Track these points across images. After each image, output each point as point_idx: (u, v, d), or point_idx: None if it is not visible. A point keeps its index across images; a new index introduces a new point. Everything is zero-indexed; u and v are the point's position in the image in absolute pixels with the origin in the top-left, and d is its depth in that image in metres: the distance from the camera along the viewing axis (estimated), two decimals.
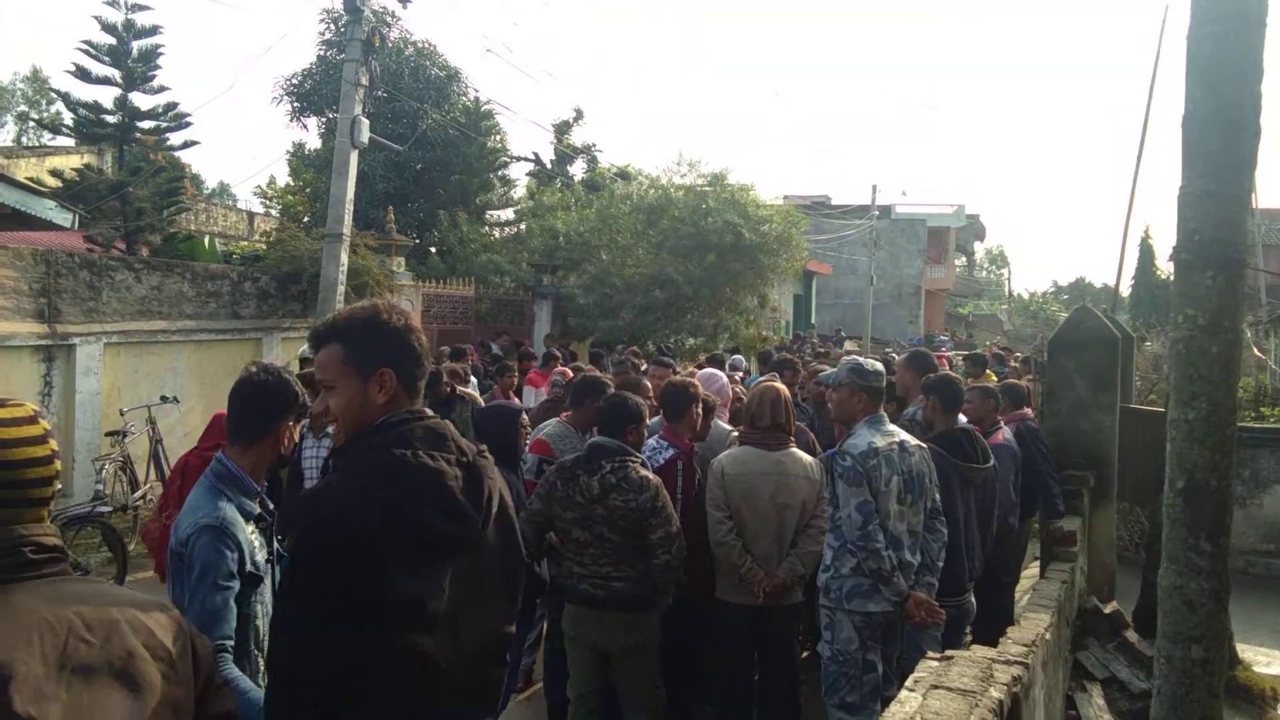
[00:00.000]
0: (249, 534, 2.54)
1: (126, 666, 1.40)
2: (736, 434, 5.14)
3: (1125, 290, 29.12)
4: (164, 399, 9.64)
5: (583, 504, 3.96)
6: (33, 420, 1.47)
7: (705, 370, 6.78)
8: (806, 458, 4.48)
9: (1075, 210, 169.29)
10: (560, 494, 4.02)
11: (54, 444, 1.49)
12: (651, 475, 4.06)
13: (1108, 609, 6.17)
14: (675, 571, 4.03)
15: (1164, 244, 33.37)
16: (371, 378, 1.92)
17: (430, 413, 2.00)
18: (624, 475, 3.94)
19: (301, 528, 1.81)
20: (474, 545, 1.93)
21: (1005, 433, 5.66)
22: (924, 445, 4.24)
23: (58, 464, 1.49)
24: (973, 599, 4.78)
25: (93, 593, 1.46)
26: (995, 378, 10.29)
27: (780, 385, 4.75)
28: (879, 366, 4.26)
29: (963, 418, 5.37)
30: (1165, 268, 33.70)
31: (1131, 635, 5.92)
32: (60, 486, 1.52)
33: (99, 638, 1.38)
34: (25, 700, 1.26)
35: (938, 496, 4.21)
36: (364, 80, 11.25)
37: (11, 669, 1.27)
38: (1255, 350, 13.51)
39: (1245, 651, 6.16)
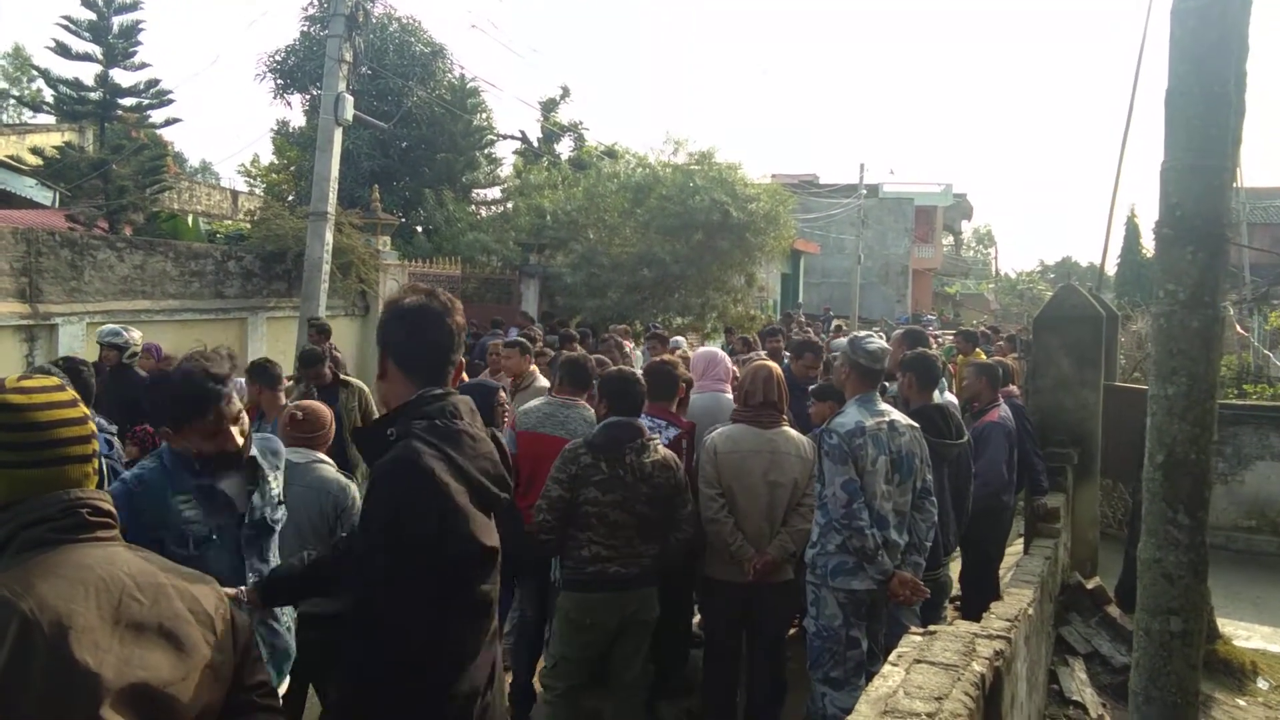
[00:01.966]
0: (178, 502, 2.66)
1: (173, 628, 1.48)
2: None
3: (1111, 269, 29.22)
4: None
5: (630, 483, 3.87)
6: (60, 388, 1.57)
7: (703, 349, 6.80)
8: (799, 436, 4.47)
9: (1062, 189, 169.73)
10: (601, 475, 3.86)
11: (86, 409, 1.59)
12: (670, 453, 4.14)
13: (1090, 585, 6.23)
14: (691, 546, 4.16)
15: (1149, 223, 33.45)
16: (382, 356, 2.18)
17: (457, 393, 2.18)
18: (661, 453, 4.01)
19: (386, 486, 1.98)
20: (503, 508, 2.21)
21: (1002, 410, 5.68)
22: (915, 425, 4.22)
23: (93, 426, 1.59)
24: (949, 573, 4.82)
25: (142, 558, 1.55)
26: (984, 355, 10.32)
27: (773, 363, 4.75)
28: (879, 347, 4.19)
29: (952, 396, 5.41)
30: (1150, 246, 33.82)
31: (1113, 610, 5.98)
32: (98, 449, 1.62)
33: (149, 598, 1.48)
34: (84, 649, 1.34)
35: (929, 476, 4.19)
36: (348, 56, 11.15)
37: (70, 620, 1.35)
38: (1238, 328, 13.61)
39: (1226, 626, 6.23)
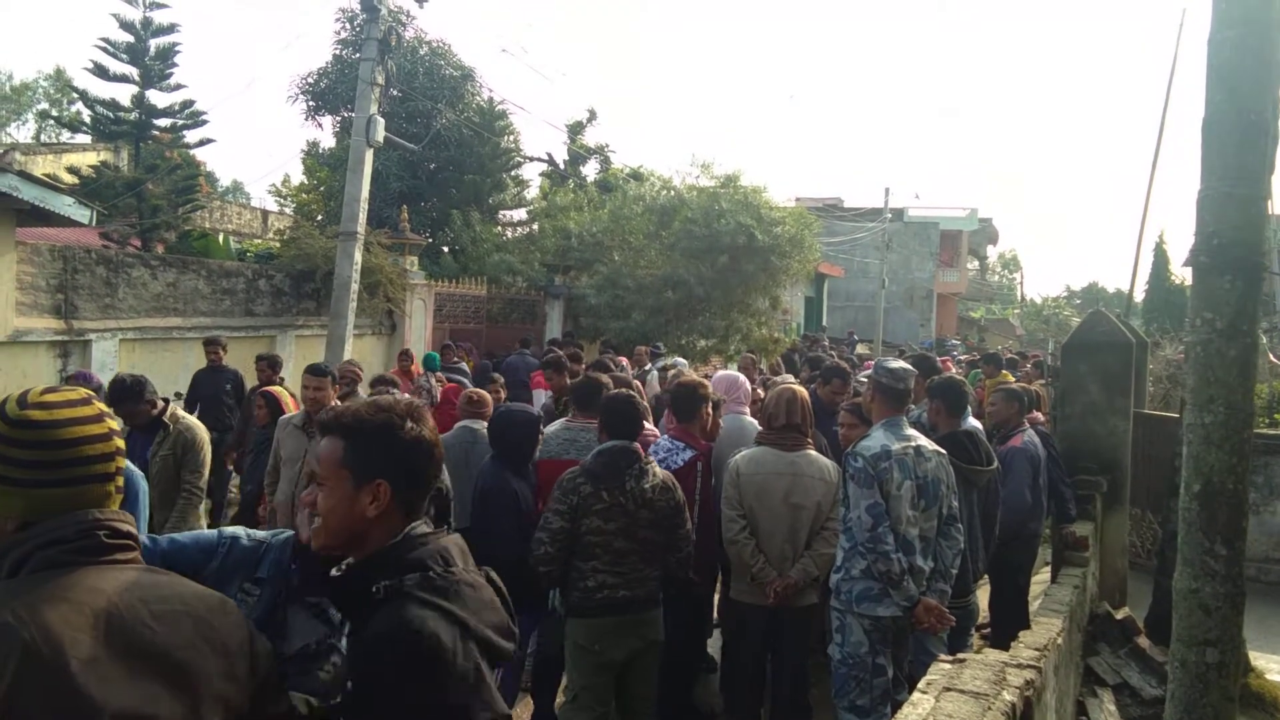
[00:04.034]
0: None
1: (185, 657, 1.42)
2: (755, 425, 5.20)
3: (1139, 295, 28.97)
4: (178, 395, 9.69)
5: (633, 510, 3.81)
6: (86, 402, 1.49)
7: (721, 372, 6.81)
8: (823, 459, 4.46)
9: (1089, 215, 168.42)
10: (601, 505, 3.80)
11: (113, 424, 1.51)
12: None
13: (1119, 615, 6.15)
14: (690, 564, 4.09)
15: (1178, 250, 33.22)
16: (365, 486, 1.77)
17: (442, 533, 1.87)
18: (659, 474, 3.96)
19: (390, 663, 1.64)
20: (509, 660, 1.94)
21: (1026, 435, 5.66)
22: (942, 451, 4.19)
23: (118, 442, 1.51)
24: (977, 600, 4.78)
25: (160, 582, 1.48)
26: (1011, 378, 10.25)
27: (798, 386, 4.75)
28: (900, 368, 4.20)
29: (975, 422, 5.39)
30: (1179, 273, 33.52)
31: (1143, 641, 5.90)
32: (124, 466, 1.54)
33: (162, 627, 1.41)
34: (89, 681, 1.29)
35: (955, 503, 4.16)
36: (380, 79, 11.30)
37: (76, 649, 1.29)
38: (1271, 356, 13.44)
39: (1258, 659, 6.12)
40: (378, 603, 1.69)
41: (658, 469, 4.01)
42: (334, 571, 1.83)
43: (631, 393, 4.28)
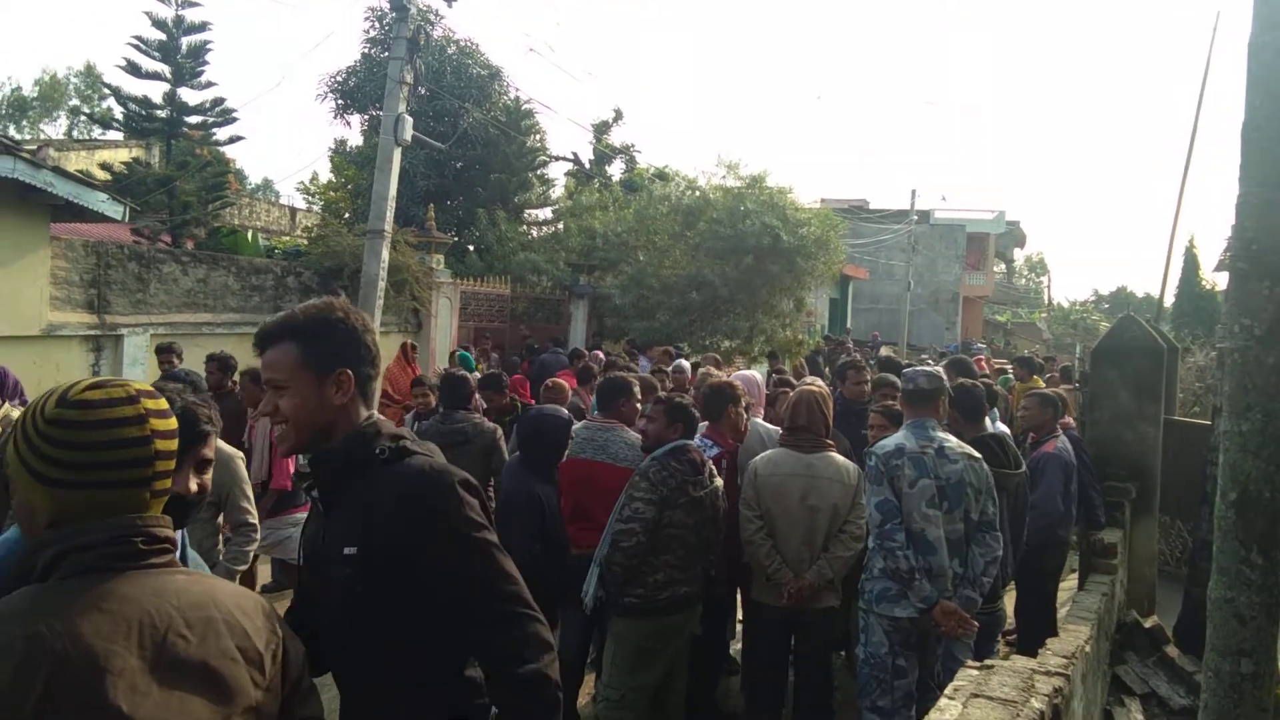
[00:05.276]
0: None
1: (219, 668, 1.40)
2: (765, 428, 5.31)
3: (1168, 300, 28.59)
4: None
5: (707, 506, 3.96)
6: (132, 401, 1.43)
7: (741, 372, 6.81)
8: (843, 461, 4.45)
9: (1117, 218, 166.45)
10: (686, 499, 3.87)
11: (158, 424, 1.44)
12: None
13: (1148, 623, 6.08)
14: (711, 565, 4.24)
15: (1209, 254, 32.78)
16: (328, 377, 1.87)
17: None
18: (718, 480, 4.13)
19: (433, 507, 1.79)
20: None
21: (1059, 441, 5.60)
22: (976, 455, 4.13)
23: (159, 444, 1.44)
24: (1005, 606, 4.75)
25: (194, 588, 1.44)
26: (1042, 383, 10.16)
27: (815, 388, 4.74)
28: (916, 370, 4.27)
29: (1003, 426, 5.36)
30: (1210, 278, 33.05)
31: (1172, 650, 5.83)
32: (172, 468, 1.48)
33: (196, 635, 1.38)
34: (120, 693, 1.26)
35: (991, 509, 4.06)
36: (408, 78, 11.35)
37: (107, 661, 1.27)
38: None
39: None
40: (381, 463, 1.83)
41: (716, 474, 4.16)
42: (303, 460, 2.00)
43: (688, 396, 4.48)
